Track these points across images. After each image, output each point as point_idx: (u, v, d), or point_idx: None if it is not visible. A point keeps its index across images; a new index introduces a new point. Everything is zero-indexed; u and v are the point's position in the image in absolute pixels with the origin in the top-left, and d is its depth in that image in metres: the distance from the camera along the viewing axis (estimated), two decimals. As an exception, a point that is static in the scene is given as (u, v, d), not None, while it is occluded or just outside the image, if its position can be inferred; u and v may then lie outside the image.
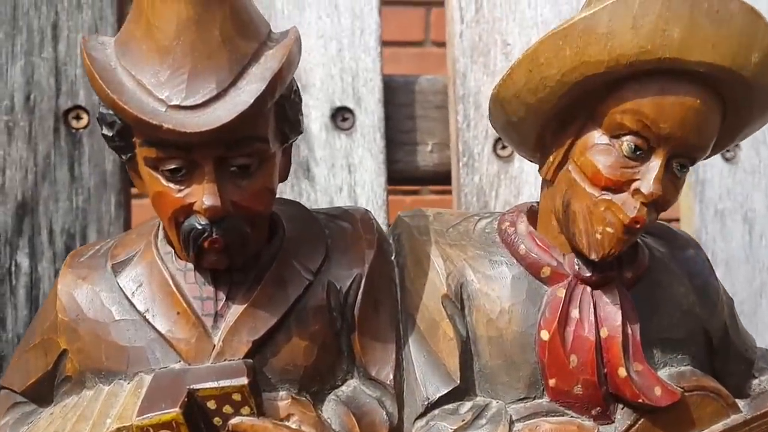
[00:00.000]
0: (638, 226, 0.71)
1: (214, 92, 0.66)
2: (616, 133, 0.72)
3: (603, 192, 0.72)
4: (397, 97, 1.20)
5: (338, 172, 1.16)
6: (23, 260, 1.07)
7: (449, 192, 1.22)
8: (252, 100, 0.66)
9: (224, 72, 0.67)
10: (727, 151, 1.21)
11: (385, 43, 1.19)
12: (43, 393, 0.80)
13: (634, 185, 0.71)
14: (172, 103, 0.66)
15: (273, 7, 1.15)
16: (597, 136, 0.73)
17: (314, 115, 1.15)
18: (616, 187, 0.72)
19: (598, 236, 0.73)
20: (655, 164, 0.71)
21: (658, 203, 0.72)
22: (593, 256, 0.74)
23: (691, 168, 0.75)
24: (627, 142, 0.71)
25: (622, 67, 0.69)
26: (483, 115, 1.18)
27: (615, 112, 0.71)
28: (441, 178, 1.21)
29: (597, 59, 0.69)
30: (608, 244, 0.73)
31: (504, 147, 1.18)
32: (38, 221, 1.07)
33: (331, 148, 1.16)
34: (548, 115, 0.74)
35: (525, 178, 1.18)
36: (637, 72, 0.69)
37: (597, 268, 0.76)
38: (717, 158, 1.22)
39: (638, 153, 0.71)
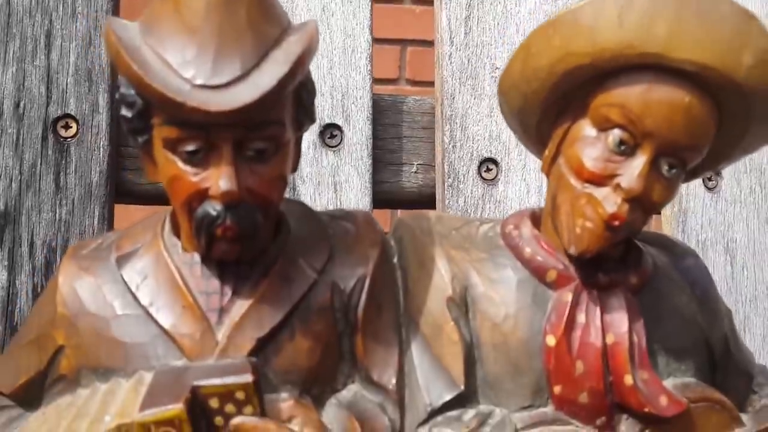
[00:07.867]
0: (617, 223, 0.70)
1: (239, 73, 0.66)
2: (603, 126, 0.71)
3: (585, 185, 0.72)
4: (384, 116, 1.20)
5: (324, 190, 1.15)
6: (1, 273, 1.05)
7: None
8: (275, 82, 0.66)
9: (249, 54, 0.67)
10: (709, 179, 1.22)
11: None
12: (32, 396, 0.77)
13: (616, 180, 0.70)
14: (197, 82, 0.66)
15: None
16: (586, 129, 0.72)
17: (302, 131, 1.14)
18: (599, 180, 0.71)
19: (578, 230, 0.72)
20: (639, 161, 0.70)
21: (643, 202, 0.71)
22: (572, 251, 0.73)
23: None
24: (613, 135, 0.70)
25: (606, 61, 0.69)
26: (469, 136, 1.18)
27: (602, 105, 0.71)
28: (425, 199, 1.21)
29: (583, 51, 0.69)
30: (587, 240, 0.71)
31: (488, 170, 1.18)
32: (19, 232, 1.05)
33: (318, 165, 1.15)
34: (543, 106, 0.74)
35: (509, 203, 1.18)
36: (624, 66, 0.69)
37: (603, 271, 0.75)
38: (699, 187, 1.22)
39: (623, 147, 0.70)
